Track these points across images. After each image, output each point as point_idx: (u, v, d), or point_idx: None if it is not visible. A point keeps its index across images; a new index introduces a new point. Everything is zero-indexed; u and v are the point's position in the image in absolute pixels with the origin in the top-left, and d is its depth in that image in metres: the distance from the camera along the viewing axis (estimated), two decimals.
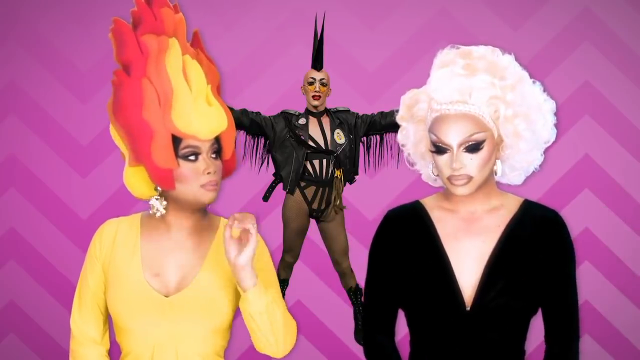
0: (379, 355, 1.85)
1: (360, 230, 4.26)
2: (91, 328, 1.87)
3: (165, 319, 1.79)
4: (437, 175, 1.77)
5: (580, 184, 4.84)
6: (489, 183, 1.76)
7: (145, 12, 1.79)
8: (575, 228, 1.95)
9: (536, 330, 1.83)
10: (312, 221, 4.28)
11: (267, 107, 4.34)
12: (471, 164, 1.68)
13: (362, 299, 3.52)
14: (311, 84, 4.17)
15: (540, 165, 1.80)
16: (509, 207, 1.79)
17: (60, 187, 4.84)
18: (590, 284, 4.47)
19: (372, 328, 1.86)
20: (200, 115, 1.75)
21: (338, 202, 4.19)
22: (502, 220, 1.77)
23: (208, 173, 1.76)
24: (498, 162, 1.74)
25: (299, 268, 4.43)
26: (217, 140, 1.80)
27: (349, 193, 4.34)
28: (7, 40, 4.79)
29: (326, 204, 4.19)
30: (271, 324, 1.76)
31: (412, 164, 1.87)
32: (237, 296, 1.82)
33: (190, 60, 1.78)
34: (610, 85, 4.83)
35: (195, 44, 1.86)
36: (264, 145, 4.25)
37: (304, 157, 4.14)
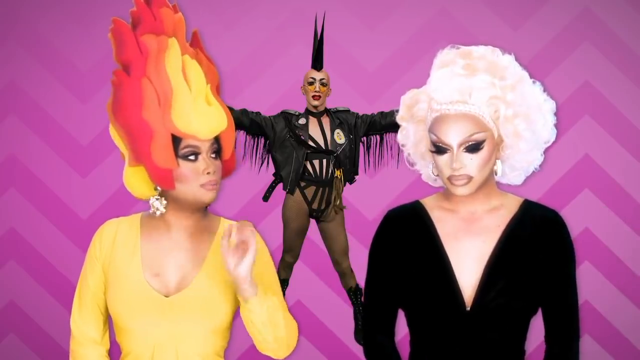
0: (379, 355, 1.85)
1: (360, 230, 4.25)
2: (91, 328, 1.87)
3: (165, 319, 1.79)
4: (437, 175, 1.77)
5: (580, 184, 4.84)
6: (489, 183, 1.76)
7: (145, 12, 1.79)
8: (575, 228, 1.94)
9: (536, 330, 1.83)
10: (312, 221, 4.28)
11: (267, 107, 4.34)
12: (471, 164, 1.68)
13: (362, 299, 3.52)
14: (311, 84, 4.17)
15: (540, 165, 1.80)
16: (509, 207, 1.79)
17: (60, 187, 4.84)
18: (590, 284, 4.47)
19: (372, 328, 1.86)
20: (200, 115, 1.75)
21: (338, 202, 4.19)
22: (502, 220, 1.77)
23: (208, 173, 1.76)
24: (498, 162, 1.74)
25: (299, 268, 4.43)
26: (217, 140, 1.80)
27: (349, 193, 4.34)
28: (7, 40, 4.79)
29: (326, 204, 4.19)
30: (273, 329, 1.77)
31: (412, 164, 1.87)
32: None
33: (189, 60, 1.78)
34: (610, 85, 4.83)
35: (195, 43, 1.86)
36: (264, 145, 4.25)
37: (304, 157, 4.14)
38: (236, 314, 1.85)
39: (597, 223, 4.81)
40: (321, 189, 4.17)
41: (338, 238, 4.26)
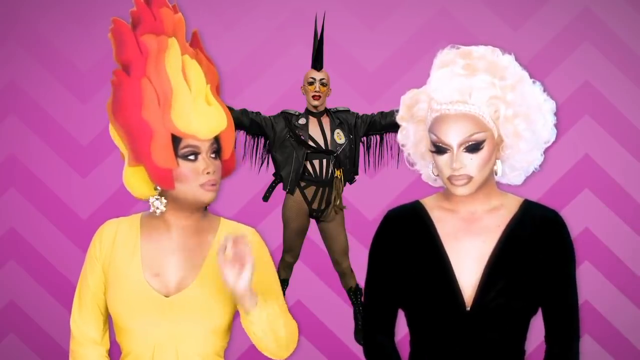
0: (379, 355, 1.85)
1: (360, 230, 4.25)
2: (91, 328, 1.87)
3: (165, 319, 1.79)
4: (437, 175, 1.77)
5: (580, 184, 4.84)
6: (489, 183, 1.76)
7: (145, 12, 1.79)
8: (575, 228, 1.94)
9: (536, 330, 1.83)
10: (312, 221, 4.28)
11: (267, 107, 4.34)
12: (471, 164, 1.68)
13: (362, 299, 3.52)
14: (311, 84, 4.17)
15: (540, 165, 1.80)
16: (509, 207, 1.79)
17: (60, 187, 4.84)
18: (590, 284, 4.47)
19: (372, 328, 1.86)
20: (200, 114, 1.75)
21: (338, 202, 4.19)
22: (502, 220, 1.77)
23: (207, 173, 1.76)
24: (498, 162, 1.74)
25: (299, 268, 4.43)
26: (217, 140, 1.80)
27: (349, 193, 4.34)
28: (7, 40, 4.79)
29: (326, 204, 4.19)
30: (273, 336, 1.77)
31: (412, 164, 1.87)
32: None
33: (189, 60, 1.78)
34: (610, 85, 4.83)
35: (195, 44, 1.86)
36: (264, 145, 4.25)
37: (304, 157, 4.14)
38: (236, 314, 1.85)
39: (597, 223, 4.81)
40: (321, 189, 4.17)
41: (338, 238, 4.26)
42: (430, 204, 1.83)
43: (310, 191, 4.17)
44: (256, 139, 4.24)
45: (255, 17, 4.85)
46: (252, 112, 4.15)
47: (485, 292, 1.72)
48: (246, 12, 4.86)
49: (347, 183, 4.24)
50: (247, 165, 4.20)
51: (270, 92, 4.68)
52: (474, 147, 1.68)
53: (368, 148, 4.32)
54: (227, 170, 1.87)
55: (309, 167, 4.16)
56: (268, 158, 4.25)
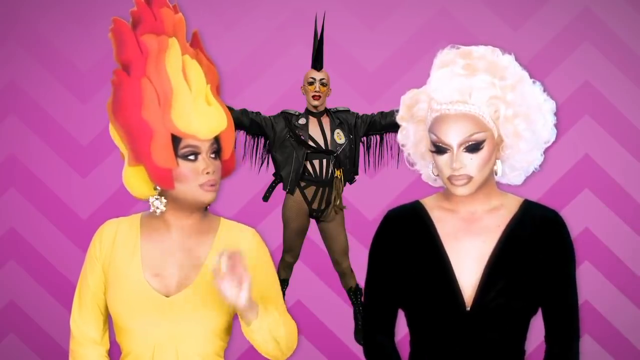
0: (379, 355, 1.85)
1: (360, 230, 4.25)
2: (91, 328, 1.87)
3: (165, 319, 1.79)
4: (437, 175, 1.77)
5: (580, 184, 4.84)
6: (489, 183, 1.76)
7: (145, 12, 1.79)
8: (575, 228, 1.94)
9: (536, 330, 1.83)
10: (312, 221, 4.28)
11: (267, 107, 4.34)
12: (471, 164, 1.68)
13: (362, 299, 3.52)
14: (311, 84, 4.17)
15: (540, 165, 1.80)
16: (509, 207, 1.79)
17: (60, 187, 4.84)
18: (590, 284, 4.47)
19: (372, 328, 1.86)
20: (200, 114, 1.75)
21: (338, 202, 4.19)
22: (502, 220, 1.77)
23: (207, 173, 1.76)
24: (498, 162, 1.74)
25: (299, 268, 4.43)
26: (217, 140, 1.80)
27: (349, 193, 4.34)
28: (7, 40, 4.80)
29: (326, 204, 4.19)
30: (274, 342, 1.78)
31: (412, 164, 1.87)
32: None
33: (189, 60, 1.78)
34: (610, 85, 4.83)
35: (195, 44, 1.86)
36: (264, 145, 4.25)
37: (304, 157, 4.14)
38: (236, 314, 1.84)
39: (597, 223, 4.81)
40: (321, 189, 4.17)
41: (338, 238, 4.26)
42: (430, 204, 1.83)
43: (310, 191, 4.18)
44: (256, 139, 4.24)
45: (255, 17, 4.85)
46: (252, 112, 4.15)
47: (485, 292, 1.72)
48: (246, 12, 4.86)
49: (347, 183, 4.24)
50: (247, 165, 4.20)
51: (270, 92, 4.68)
52: (474, 147, 1.68)
53: (368, 148, 4.32)
54: (227, 171, 1.87)
55: (309, 167, 4.16)
56: (268, 158, 4.26)
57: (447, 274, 1.74)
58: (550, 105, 1.76)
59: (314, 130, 4.18)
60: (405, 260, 1.78)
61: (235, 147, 1.89)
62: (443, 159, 1.70)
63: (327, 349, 4.66)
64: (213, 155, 1.79)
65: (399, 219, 1.83)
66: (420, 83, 1.78)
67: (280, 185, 4.22)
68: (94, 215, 4.70)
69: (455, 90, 1.67)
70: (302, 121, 4.19)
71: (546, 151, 1.79)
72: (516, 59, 1.75)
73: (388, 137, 4.27)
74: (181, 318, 1.79)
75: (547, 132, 1.75)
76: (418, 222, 1.80)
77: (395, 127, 1.95)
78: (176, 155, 1.75)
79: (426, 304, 1.75)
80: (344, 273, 4.32)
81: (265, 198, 4.25)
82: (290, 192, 4.17)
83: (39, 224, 4.82)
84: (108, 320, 1.90)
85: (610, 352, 4.70)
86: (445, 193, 1.82)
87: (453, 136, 1.67)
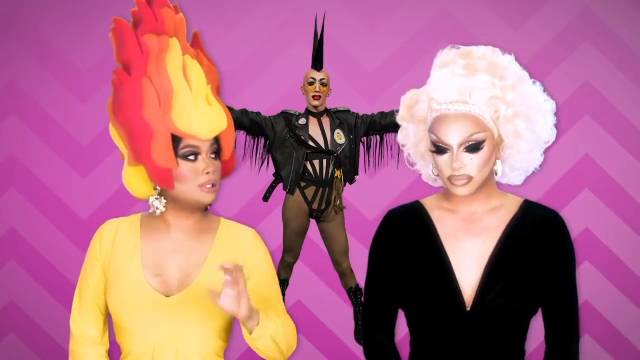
0: (379, 355, 1.85)
1: (360, 230, 4.25)
2: (91, 328, 1.87)
3: (165, 319, 1.79)
4: (437, 175, 1.77)
5: (580, 184, 4.84)
6: (489, 183, 1.76)
7: (146, 12, 1.79)
8: (575, 228, 1.94)
9: (536, 330, 1.83)
10: (312, 221, 4.28)
11: (267, 107, 4.34)
12: (471, 164, 1.68)
13: (362, 299, 3.52)
14: (311, 84, 4.18)
15: (540, 165, 1.80)
16: (509, 207, 1.79)
17: (60, 187, 4.84)
18: (590, 284, 4.47)
19: (372, 328, 1.86)
20: (200, 115, 1.75)
21: (338, 202, 4.19)
22: (502, 221, 1.77)
23: (207, 173, 1.76)
24: (498, 162, 1.74)
25: (299, 268, 4.43)
26: (217, 140, 1.80)
27: (349, 193, 4.34)
28: (7, 40, 4.79)
29: (326, 204, 4.20)
30: (275, 347, 1.78)
31: (412, 164, 1.87)
32: None
33: (190, 60, 1.78)
34: (610, 85, 4.83)
35: (195, 44, 1.86)
36: (264, 145, 4.25)
37: (304, 157, 4.14)
38: None
39: (597, 223, 4.81)
40: (321, 189, 4.17)
41: (338, 238, 4.27)
42: (430, 204, 1.83)
43: (310, 191, 4.18)
44: (256, 139, 4.24)
45: (255, 17, 4.85)
46: (252, 112, 4.15)
47: (485, 292, 1.72)
48: (246, 12, 4.86)
49: (347, 183, 4.24)
50: (247, 165, 4.20)
51: (270, 92, 4.68)
52: (474, 147, 1.68)
53: (368, 148, 4.32)
54: (226, 171, 1.87)
55: (309, 167, 4.16)
56: (268, 158, 4.26)
57: (447, 274, 1.74)
58: (550, 105, 1.76)
59: (314, 130, 4.18)
60: (405, 260, 1.78)
61: (235, 147, 1.89)
62: (443, 159, 1.70)
63: (327, 349, 4.66)
64: (213, 156, 1.79)
65: (399, 219, 1.83)
66: (420, 83, 1.78)
67: (280, 185, 4.22)
68: (94, 215, 4.70)
69: (455, 90, 1.67)
70: (302, 121, 4.19)
71: (546, 151, 1.79)
72: (516, 59, 1.75)
73: (388, 137, 4.27)
74: (181, 318, 1.79)
75: (547, 132, 1.75)
76: (418, 222, 1.80)
77: (395, 127, 1.95)
78: (176, 155, 1.75)
79: (426, 304, 1.75)
80: (344, 273, 4.32)
81: (265, 198, 4.25)
82: (290, 192, 4.17)
83: (39, 224, 4.82)
84: (108, 320, 1.90)
85: (610, 352, 4.70)
86: (445, 193, 1.82)
87: (453, 136, 1.67)
